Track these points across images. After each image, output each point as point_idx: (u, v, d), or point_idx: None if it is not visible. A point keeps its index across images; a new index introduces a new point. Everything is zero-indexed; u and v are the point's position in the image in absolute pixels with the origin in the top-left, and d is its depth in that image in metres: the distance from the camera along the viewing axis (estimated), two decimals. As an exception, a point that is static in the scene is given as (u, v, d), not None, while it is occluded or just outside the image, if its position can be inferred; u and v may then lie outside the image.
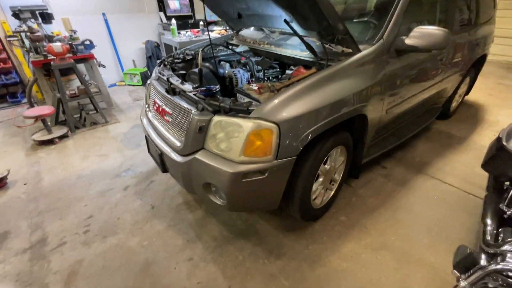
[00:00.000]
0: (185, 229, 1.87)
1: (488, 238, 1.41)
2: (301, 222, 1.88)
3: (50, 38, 3.49)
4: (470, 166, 2.45)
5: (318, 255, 1.65)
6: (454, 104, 3.27)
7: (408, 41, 1.72)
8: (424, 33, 1.68)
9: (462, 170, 2.41)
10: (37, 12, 3.50)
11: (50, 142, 3.02)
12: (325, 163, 1.69)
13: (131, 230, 1.88)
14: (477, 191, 2.15)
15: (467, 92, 3.53)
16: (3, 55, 3.98)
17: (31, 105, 3.74)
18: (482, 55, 3.09)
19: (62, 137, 3.12)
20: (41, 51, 3.28)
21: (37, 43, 3.28)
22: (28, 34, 3.29)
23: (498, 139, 1.63)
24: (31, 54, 3.44)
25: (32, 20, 3.52)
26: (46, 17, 3.57)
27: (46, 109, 2.99)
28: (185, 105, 1.52)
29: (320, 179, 1.73)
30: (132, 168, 2.56)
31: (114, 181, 2.38)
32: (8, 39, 3.59)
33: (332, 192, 1.95)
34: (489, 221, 1.52)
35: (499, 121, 3.29)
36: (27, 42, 3.56)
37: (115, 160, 2.69)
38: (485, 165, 1.71)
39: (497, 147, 1.60)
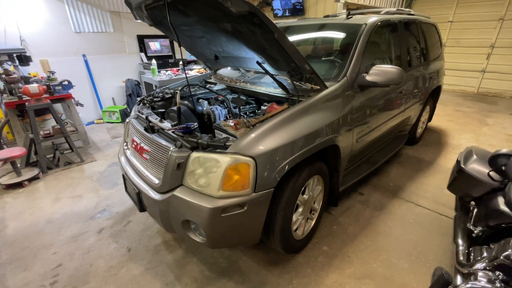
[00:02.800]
0: (164, 272, 1.77)
1: (461, 258, 1.48)
2: (284, 255, 1.85)
3: (26, 79, 3.48)
4: (439, 188, 2.59)
5: (302, 289, 1.61)
6: (419, 131, 3.55)
7: (368, 77, 1.92)
8: (382, 70, 1.89)
9: (433, 192, 2.55)
10: (14, 55, 3.52)
11: (18, 185, 2.85)
12: (303, 193, 1.74)
13: (105, 277, 1.75)
14: (448, 212, 2.26)
15: (429, 119, 3.86)
16: (-26, 97, 3.87)
17: (1, 147, 3.57)
18: (437, 86, 3.46)
19: (32, 179, 2.96)
20: (16, 93, 3.24)
21: (12, 84, 3.25)
22: (3, 76, 3.27)
23: (458, 162, 1.79)
24: (4, 95, 3.38)
25: (9, 62, 3.52)
26: (24, 60, 3.59)
27: (16, 151, 2.87)
28: (163, 142, 1.55)
29: (300, 209, 1.76)
30: (108, 208, 2.45)
31: (87, 224, 2.25)
32: (-19, 81, 3.53)
33: (313, 222, 1.97)
34: (460, 241, 1.59)
35: (461, 145, 3.58)
36: (1, 84, 3.51)
37: (89, 201, 2.57)
38: (450, 187, 1.84)
39: (457, 170, 1.74)
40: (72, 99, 3.73)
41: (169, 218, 1.52)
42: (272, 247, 1.77)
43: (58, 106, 4.04)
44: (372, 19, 2.22)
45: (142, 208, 1.73)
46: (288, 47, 1.47)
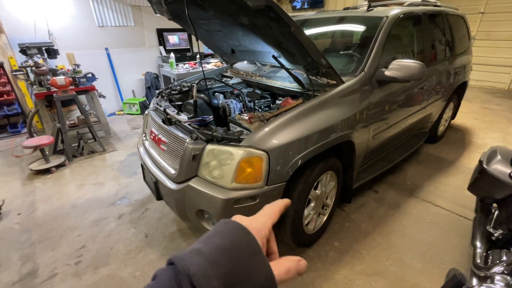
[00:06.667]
0: (179, 258, 1.85)
1: (478, 260, 1.43)
2: (295, 248, 1.88)
3: (54, 72, 3.67)
4: (460, 188, 2.50)
5: (311, 283, 1.63)
6: (441, 128, 3.41)
7: (387, 72, 1.87)
8: (402, 65, 1.83)
9: (453, 192, 2.46)
10: (43, 48, 3.72)
11: (47, 171, 3.05)
12: (316, 188, 1.74)
13: (124, 260, 1.86)
14: (467, 213, 2.18)
15: (453, 116, 3.69)
16: (8, 88, 4.14)
17: (31, 135, 3.82)
18: (462, 82, 3.28)
19: (59, 166, 3.16)
20: (44, 84, 3.43)
21: (41, 76, 3.45)
22: (34, 68, 3.47)
23: (480, 163, 1.71)
24: (34, 86, 3.59)
25: (38, 55, 3.73)
26: (52, 53, 3.79)
27: (45, 139, 3.06)
28: (180, 134, 1.60)
29: (312, 204, 1.76)
30: (128, 196, 2.57)
31: (108, 210, 2.38)
32: (14, 73, 3.76)
33: (325, 217, 1.97)
34: (478, 244, 1.54)
35: (486, 144, 3.40)
36: (31, 76, 3.73)
37: (110, 188, 2.71)
38: (470, 188, 1.77)
39: (479, 170, 1.67)
40: (96, 91, 3.90)
41: (184, 207, 1.58)
42: (283, 240, 1.80)
43: (82, 98, 4.24)
44: (394, 11, 2.14)
45: (159, 197, 1.81)
46: (305, 41, 1.46)
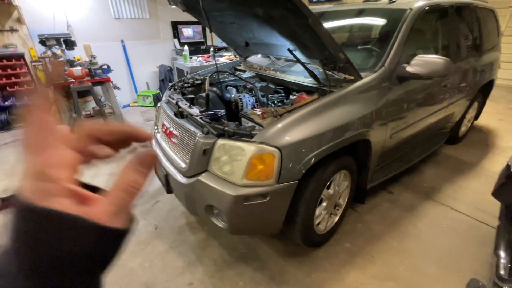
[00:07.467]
0: (186, 252, 1.85)
1: (502, 272, 1.35)
2: (305, 247, 1.83)
3: (71, 63, 3.74)
4: (482, 193, 2.36)
5: (320, 284, 1.59)
6: (463, 129, 3.24)
7: (409, 68, 1.77)
8: (425, 61, 1.72)
9: (473, 197, 2.33)
10: (61, 39, 3.80)
11: (63, 160, 3.13)
12: (328, 188, 1.68)
13: (134, 251, 1.88)
14: (489, 220, 2.06)
15: (476, 117, 3.49)
16: (28, 78, 4.27)
17: (49, 124, 3.93)
18: (489, 81, 3.09)
19: (75, 155, 3.23)
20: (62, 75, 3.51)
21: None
22: (52, 59, 3.55)
23: (507, 167, 1.60)
24: (53, 77, 3.68)
25: (57, 46, 3.81)
26: (70, 44, 3.86)
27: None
28: (191, 128, 1.57)
29: (324, 204, 1.71)
30: (139, 187, 2.60)
31: (120, 200, 2.42)
32: (33, 63, 3.87)
33: (337, 218, 1.92)
34: (502, 254, 1.45)
35: (511, 147, 3.21)
36: (50, 67, 3.83)
37: (123, 179, 2.74)
38: (495, 193, 1.66)
39: (506, 175, 1.56)
40: (111, 83, 3.96)
41: (193, 201, 1.57)
42: (293, 239, 1.76)
43: (98, 89, 4.32)
44: (419, 3, 2.01)
45: (169, 190, 1.81)
46: (323, 34, 1.40)
